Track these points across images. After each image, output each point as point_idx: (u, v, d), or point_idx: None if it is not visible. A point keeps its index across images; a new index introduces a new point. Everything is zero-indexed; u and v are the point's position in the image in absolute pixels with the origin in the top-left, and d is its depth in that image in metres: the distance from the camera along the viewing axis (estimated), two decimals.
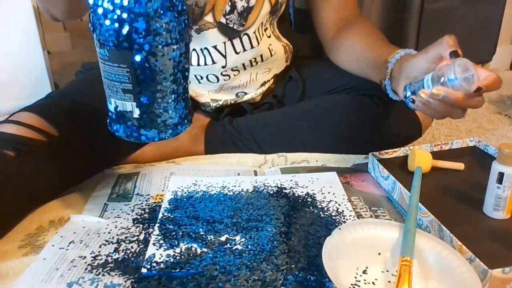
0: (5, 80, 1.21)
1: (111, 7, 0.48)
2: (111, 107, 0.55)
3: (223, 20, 0.80)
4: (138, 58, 0.50)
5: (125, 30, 0.48)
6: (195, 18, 0.79)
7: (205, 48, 0.82)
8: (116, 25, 0.48)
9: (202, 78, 0.86)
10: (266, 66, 0.89)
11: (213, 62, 0.83)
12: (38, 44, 1.21)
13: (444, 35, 0.60)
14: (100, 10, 0.48)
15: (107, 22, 0.48)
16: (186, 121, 0.58)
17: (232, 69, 0.85)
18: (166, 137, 0.56)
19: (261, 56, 0.86)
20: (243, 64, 0.85)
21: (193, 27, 0.80)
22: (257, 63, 0.86)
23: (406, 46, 1.40)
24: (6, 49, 1.19)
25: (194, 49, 0.83)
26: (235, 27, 0.80)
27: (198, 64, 0.84)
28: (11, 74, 1.21)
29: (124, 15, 0.48)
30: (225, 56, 0.83)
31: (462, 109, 0.57)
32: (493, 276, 0.49)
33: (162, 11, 0.48)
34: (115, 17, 0.48)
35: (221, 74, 0.85)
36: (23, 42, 1.19)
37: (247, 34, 0.82)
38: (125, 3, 0.47)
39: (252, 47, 0.84)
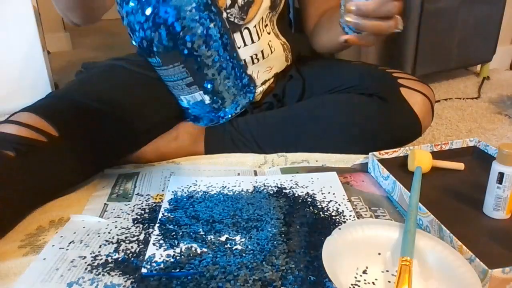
0: (5, 80, 1.21)
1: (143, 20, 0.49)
2: (185, 104, 0.57)
3: (224, 15, 0.80)
4: (186, 51, 0.51)
5: (167, 35, 0.49)
6: None
7: None
8: (157, 33, 0.49)
9: None
10: (267, 64, 0.89)
11: None
12: (38, 44, 1.21)
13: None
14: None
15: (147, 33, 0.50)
16: (252, 85, 0.58)
17: None
18: (245, 104, 0.57)
19: (262, 52, 0.86)
20: (245, 61, 0.85)
21: None
22: (258, 60, 0.86)
23: (406, 46, 1.42)
24: (6, 49, 1.18)
25: None
26: (235, 21, 0.81)
27: None
28: (11, 74, 1.21)
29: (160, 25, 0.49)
30: None
31: (386, 20, 0.62)
32: (493, 276, 0.49)
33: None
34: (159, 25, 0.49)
35: None
36: (23, 42, 1.19)
37: (248, 28, 0.83)
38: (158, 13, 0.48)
39: (252, 41, 0.84)
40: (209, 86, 0.54)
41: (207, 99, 0.55)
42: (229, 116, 0.57)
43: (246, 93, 0.57)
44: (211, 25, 0.51)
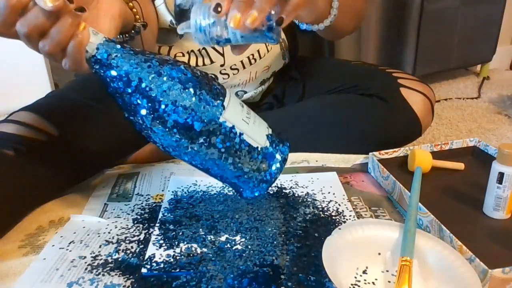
0: (5, 80, 1.21)
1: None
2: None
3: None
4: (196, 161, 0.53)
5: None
6: None
7: (203, 48, 0.82)
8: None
9: None
10: (265, 64, 0.89)
11: (211, 62, 0.84)
12: None
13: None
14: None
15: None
16: (277, 166, 0.57)
17: (231, 68, 0.85)
18: (261, 193, 0.57)
19: (258, 52, 0.86)
20: (242, 62, 0.85)
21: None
22: (255, 60, 0.86)
23: (406, 46, 1.42)
24: (6, 49, 1.18)
25: (192, 51, 0.83)
26: None
27: (197, 65, 0.84)
28: (11, 74, 1.21)
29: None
30: (222, 54, 0.83)
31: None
32: (493, 276, 0.49)
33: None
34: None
35: (220, 73, 0.85)
36: (23, 42, 1.19)
37: None
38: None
39: None
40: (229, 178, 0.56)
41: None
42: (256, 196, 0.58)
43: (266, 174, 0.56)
44: None
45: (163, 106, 0.47)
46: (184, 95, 0.48)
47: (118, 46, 0.48)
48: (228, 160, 0.52)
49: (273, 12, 0.50)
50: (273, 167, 0.55)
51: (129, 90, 0.48)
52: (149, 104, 0.47)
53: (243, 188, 0.56)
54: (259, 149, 0.53)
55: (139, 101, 0.48)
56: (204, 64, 0.84)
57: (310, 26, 0.66)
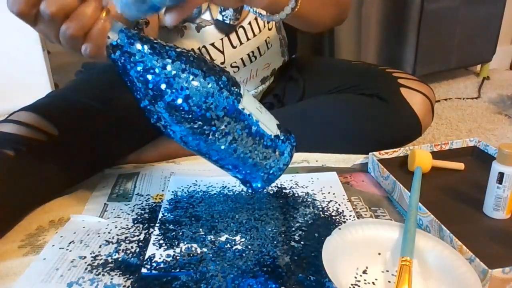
0: (5, 80, 1.21)
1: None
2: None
3: (219, 17, 0.80)
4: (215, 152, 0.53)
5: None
6: (193, 17, 0.80)
7: (203, 46, 0.82)
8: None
9: None
10: (265, 61, 0.89)
11: (212, 60, 0.84)
12: (38, 44, 1.21)
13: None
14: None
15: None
16: (286, 156, 0.58)
17: (231, 66, 0.85)
18: (271, 182, 0.58)
19: (258, 49, 0.86)
20: (242, 60, 0.85)
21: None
22: (255, 57, 0.87)
23: (406, 46, 1.42)
24: (6, 49, 1.18)
25: (193, 49, 0.83)
26: (231, 22, 0.81)
27: None
28: (11, 74, 1.21)
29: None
30: (222, 52, 0.83)
31: None
32: (493, 276, 0.49)
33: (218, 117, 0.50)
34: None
35: None
36: (23, 42, 1.19)
37: (242, 26, 0.83)
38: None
39: (248, 39, 0.84)
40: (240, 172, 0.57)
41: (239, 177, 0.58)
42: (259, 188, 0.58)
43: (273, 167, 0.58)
44: None
45: (186, 93, 0.47)
46: (207, 84, 0.48)
47: (138, 34, 0.48)
48: (247, 147, 0.53)
49: None
50: (285, 154, 0.57)
51: (151, 78, 0.47)
52: (172, 91, 0.47)
53: (256, 177, 0.57)
54: (272, 136, 0.55)
55: (162, 88, 0.47)
56: None
57: (268, 16, 0.64)
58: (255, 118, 0.52)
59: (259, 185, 0.57)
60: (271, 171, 0.56)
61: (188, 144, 0.52)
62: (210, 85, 0.48)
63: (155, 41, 0.49)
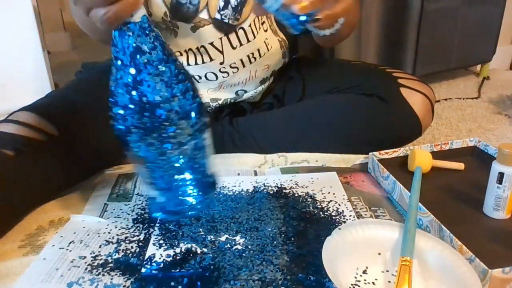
0: (5, 80, 1.21)
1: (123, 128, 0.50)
2: (144, 192, 0.58)
3: (218, 16, 0.80)
4: (150, 166, 0.51)
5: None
6: (190, 16, 0.80)
7: (202, 46, 0.82)
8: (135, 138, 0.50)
9: (200, 77, 0.87)
10: (265, 63, 0.89)
11: (211, 59, 0.84)
12: (38, 44, 1.21)
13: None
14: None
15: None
16: (211, 189, 0.57)
17: (230, 66, 0.85)
18: (199, 211, 0.58)
19: (258, 51, 0.86)
20: (242, 61, 0.85)
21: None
22: (255, 59, 0.87)
23: (406, 46, 1.42)
24: (6, 49, 1.19)
25: (190, 49, 0.83)
26: (230, 22, 0.81)
27: (196, 63, 0.84)
28: (11, 74, 1.21)
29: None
30: (222, 52, 0.83)
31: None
32: (493, 276, 0.49)
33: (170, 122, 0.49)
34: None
35: (220, 71, 0.85)
36: (23, 42, 1.19)
37: (243, 28, 0.83)
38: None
39: (248, 41, 0.84)
40: (166, 189, 0.54)
41: (162, 199, 0.55)
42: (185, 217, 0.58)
43: (203, 200, 0.56)
44: None
45: (168, 108, 0.48)
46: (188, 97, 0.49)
47: (155, 30, 0.48)
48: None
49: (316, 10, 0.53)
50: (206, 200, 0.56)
51: (150, 67, 0.47)
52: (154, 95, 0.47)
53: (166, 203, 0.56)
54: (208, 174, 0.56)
55: (158, 79, 0.47)
56: (203, 62, 0.84)
57: (316, 30, 0.65)
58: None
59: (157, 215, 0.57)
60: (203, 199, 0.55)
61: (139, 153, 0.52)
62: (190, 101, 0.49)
63: (166, 45, 0.49)
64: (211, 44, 0.82)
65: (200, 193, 0.54)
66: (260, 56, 0.87)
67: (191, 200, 0.54)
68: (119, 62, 0.47)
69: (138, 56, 0.46)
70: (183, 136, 0.50)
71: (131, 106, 0.47)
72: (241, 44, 0.84)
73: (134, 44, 0.46)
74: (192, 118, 0.50)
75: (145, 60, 0.46)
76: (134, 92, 0.47)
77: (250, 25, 0.83)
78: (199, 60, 0.84)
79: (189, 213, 0.56)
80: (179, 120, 0.49)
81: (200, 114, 0.51)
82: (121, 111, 0.48)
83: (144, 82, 0.47)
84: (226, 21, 0.81)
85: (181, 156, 0.51)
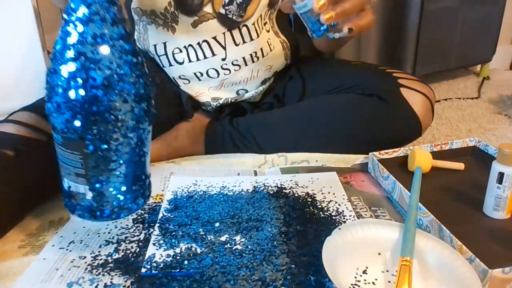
0: (5, 80, 1.21)
1: (64, 100, 0.47)
2: (65, 186, 0.54)
3: (222, 11, 0.80)
4: (90, 147, 0.49)
5: (78, 123, 0.48)
6: (195, 9, 0.80)
7: (204, 40, 0.82)
8: (69, 116, 0.48)
9: (202, 74, 0.86)
10: (267, 63, 0.89)
11: (213, 54, 0.84)
12: (38, 44, 1.21)
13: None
14: (55, 101, 0.48)
15: (61, 113, 0.48)
16: (141, 200, 0.57)
17: (232, 63, 0.85)
18: (120, 218, 0.56)
19: (261, 50, 0.86)
20: (244, 59, 0.85)
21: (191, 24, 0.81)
22: (258, 58, 0.87)
23: (406, 46, 1.42)
24: (6, 49, 1.18)
25: (190, 45, 0.83)
26: (234, 18, 0.81)
27: (198, 59, 0.84)
28: (11, 74, 1.21)
29: (77, 109, 0.47)
30: (224, 48, 0.83)
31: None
32: (493, 276, 0.49)
33: (117, 104, 0.48)
34: (69, 109, 0.47)
35: (221, 67, 0.85)
36: (23, 42, 1.19)
37: (246, 26, 0.83)
38: (74, 96, 0.47)
39: (251, 39, 0.84)
40: (98, 185, 0.53)
41: (89, 195, 0.54)
42: (101, 219, 0.55)
43: (131, 207, 0.56)
44: None
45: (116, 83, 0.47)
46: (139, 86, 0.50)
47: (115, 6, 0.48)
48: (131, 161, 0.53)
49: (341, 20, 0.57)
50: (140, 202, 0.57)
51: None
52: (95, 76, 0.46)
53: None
54: (148, 173, 0.57)
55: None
56: (205, 57, 0.84)
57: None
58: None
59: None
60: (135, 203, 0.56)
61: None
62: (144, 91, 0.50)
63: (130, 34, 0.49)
64: (214, 38, 0.82)
65: (134, 190, 0.54)
66: (263, 56, 0.87)
67: (122, 198, 0.54)
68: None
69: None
70: (126, 121, 0.49)
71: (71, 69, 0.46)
72: (244, 42, 0.84)
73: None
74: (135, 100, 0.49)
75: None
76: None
77: (254, 24, 0.83)
78: (200, 55, 0.84)
79: (122, 214, 0.55)
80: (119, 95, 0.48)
81: (144, 101, 0.51)
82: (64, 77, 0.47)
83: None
84: (230, 16, 0.81)
85: (122, 145, 0.51)
